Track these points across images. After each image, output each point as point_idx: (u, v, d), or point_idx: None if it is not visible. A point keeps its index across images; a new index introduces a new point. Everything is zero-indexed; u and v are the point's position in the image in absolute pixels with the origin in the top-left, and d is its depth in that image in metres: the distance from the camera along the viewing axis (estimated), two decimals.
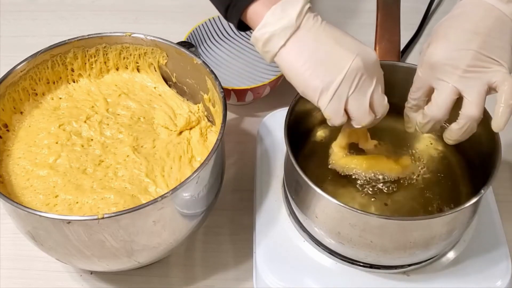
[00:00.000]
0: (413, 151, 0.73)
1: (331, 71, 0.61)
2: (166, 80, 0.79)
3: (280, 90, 0.91)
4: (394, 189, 0.69)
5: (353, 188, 0.70)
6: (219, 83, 0.70)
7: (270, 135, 0.79)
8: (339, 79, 0.61)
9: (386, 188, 0.69)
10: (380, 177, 0.70)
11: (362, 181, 0.70)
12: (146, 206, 0.59)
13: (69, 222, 0.59)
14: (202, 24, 0.94)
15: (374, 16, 0.79)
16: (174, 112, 0.75)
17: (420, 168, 0.71)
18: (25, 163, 0.69)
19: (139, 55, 0.77)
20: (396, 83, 0.73)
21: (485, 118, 0.67)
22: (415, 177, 0.70)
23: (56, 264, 0.75)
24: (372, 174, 0.70)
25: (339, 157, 0.70)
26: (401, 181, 0.70)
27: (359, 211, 0.61)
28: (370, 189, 0.69)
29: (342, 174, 0.70)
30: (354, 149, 0.71)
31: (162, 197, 0.60)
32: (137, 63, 0.78)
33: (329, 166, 0.71)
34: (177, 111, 0.76)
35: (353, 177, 0.70)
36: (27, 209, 0.59)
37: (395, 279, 0.67)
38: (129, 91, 0.77)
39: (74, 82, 0.77)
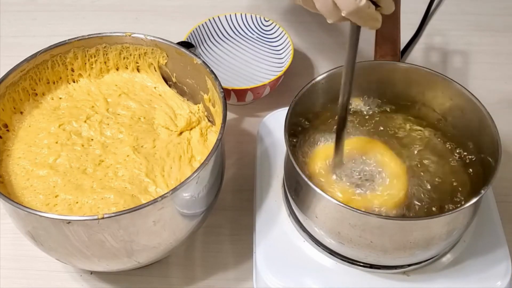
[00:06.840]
0: (414, 151, 0.73)
1: None
2: (166, 80, 0.79)
3: (280, 90, 0.91)
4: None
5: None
6: (219, 83, 0.70)
7: (270, 135, 0.79)
8: None
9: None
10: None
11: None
12: (146, 206, 0.59)
13: (69, 222, 0.59)
14: (202, 24, 0.94)
15: None
16: (174, 112, 0.75)
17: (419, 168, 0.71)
18: (25, 163, 0.69)
19: (139, 55, 0.77)
20: (396, 83, 0.74)
21: (485, 118, 0.67)
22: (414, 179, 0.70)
23: (56, 264, 0.75)
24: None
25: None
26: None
27: (359, 211, 0.61)
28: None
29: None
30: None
31: (162, 197, 0.60)
32: (137, 63, 0.78)
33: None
34: (178, 111, 0.76)
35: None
36: (27, 209, 0.59)
37: (395, 279, 0.67)
38: (129, 91, 0.77)
39: (74, 82, 0.77)
